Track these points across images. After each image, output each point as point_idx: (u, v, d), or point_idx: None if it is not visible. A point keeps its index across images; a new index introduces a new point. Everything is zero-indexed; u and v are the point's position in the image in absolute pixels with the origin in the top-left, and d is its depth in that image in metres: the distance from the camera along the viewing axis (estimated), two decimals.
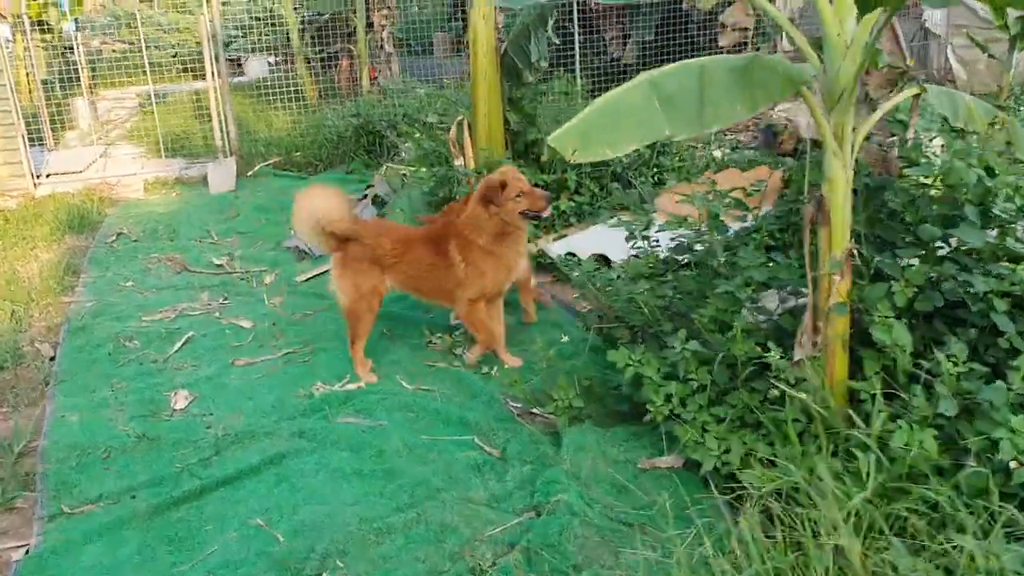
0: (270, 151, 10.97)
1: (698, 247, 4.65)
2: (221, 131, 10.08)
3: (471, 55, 7.12)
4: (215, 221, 8.61)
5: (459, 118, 7.37)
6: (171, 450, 4.40)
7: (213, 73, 9.99)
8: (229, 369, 5.33)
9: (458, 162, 7.36)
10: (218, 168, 9.85)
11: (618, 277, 5.27)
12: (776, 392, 3.38)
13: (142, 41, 12.60)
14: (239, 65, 21.93)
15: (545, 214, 4.93)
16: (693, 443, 3.62)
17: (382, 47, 15.30)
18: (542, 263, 6.65)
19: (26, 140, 10.02)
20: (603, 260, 6.28)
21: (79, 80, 15.81)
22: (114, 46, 20.42)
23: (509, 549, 3.37)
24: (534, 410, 4.52)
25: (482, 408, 4.63)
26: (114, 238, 8.20)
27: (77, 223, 8.63)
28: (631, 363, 3.94)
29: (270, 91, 12.28)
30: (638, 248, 5.02)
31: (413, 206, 7.39)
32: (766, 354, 3.45)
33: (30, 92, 14.78)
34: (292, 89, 12.74)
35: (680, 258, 4.72)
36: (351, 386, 4.97)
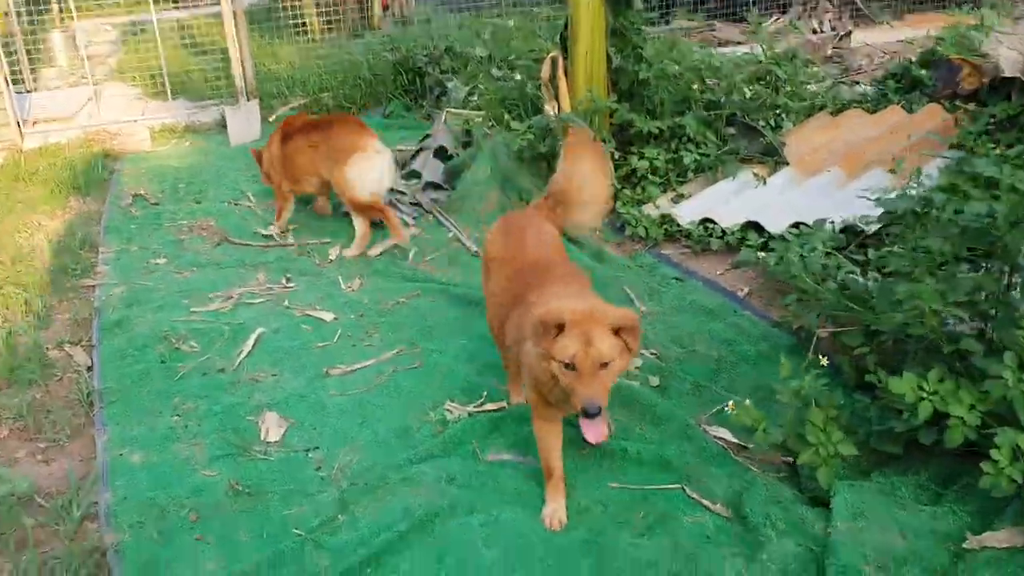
0: (293, 92, 9.70)
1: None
2: (239, 68, 8.78)
3: None
4: (246, 179, 7.42)
5: (551, 54, 6.24)
6: (280, 507, 3.37)
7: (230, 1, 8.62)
8: (322, 381, 4.27)
9: (550, 107, 6.23)
10: (239, 114, 8.59)
11: (827, 254, 4.23)
12: None
13: None
14: None
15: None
16: None
17: None
18: (669, 232, 5.58)
19: (9, 82, 8.69)
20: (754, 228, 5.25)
21: (47, 8, 14.30)
22: None
23: None
24: (748, 444, 3.52)
25: (676, 440, 3.63)
26: (130, 201, 7.01)
27: (81, 182, 7.41)
28: (927, 396, 2.94)
29: (268, 22, 10.96)
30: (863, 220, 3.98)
31: (501, 164, 6.26)
32: None
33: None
34: (294, 19, 11.41)
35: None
36: (490, 406, 3.94)
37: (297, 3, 13.56)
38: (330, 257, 5.80)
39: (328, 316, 4.92)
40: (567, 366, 2.81)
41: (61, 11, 15.76)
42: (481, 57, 9.06)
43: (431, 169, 6.93)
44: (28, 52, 11.26)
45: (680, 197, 5.87)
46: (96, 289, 5.44)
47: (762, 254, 4.72)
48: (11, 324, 4.95)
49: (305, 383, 4.26)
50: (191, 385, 4.27)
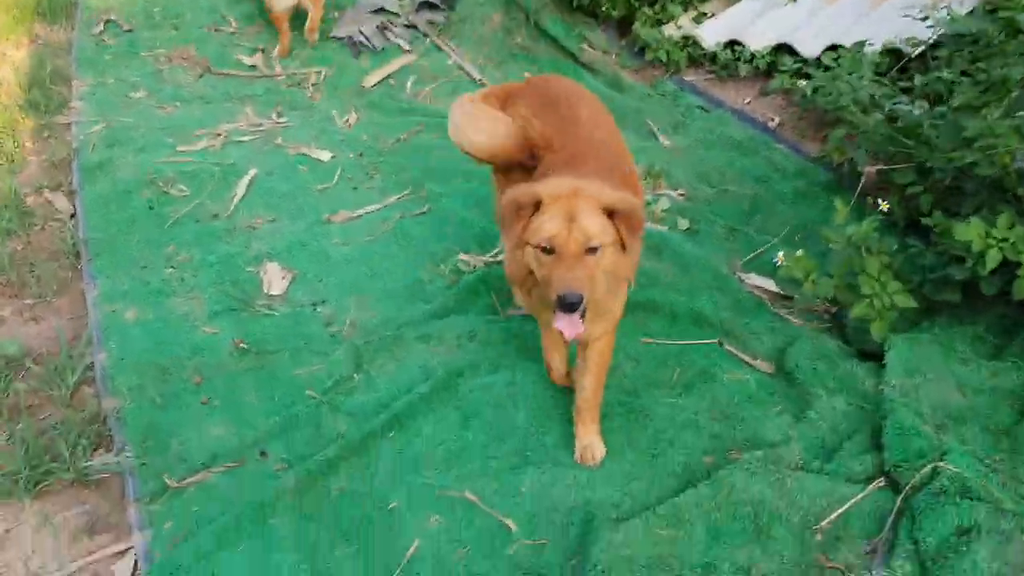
0: None
1: None
2: None
3: None
4: (226, 2, 6.82)
5: None
6: (289, 366, 3.17)
7: None
8: (324, 227, 3.99)
9: None
10: None
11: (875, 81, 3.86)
12: None
13: None
14: None
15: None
16: None
17: None
18: (693, 56, 5.14)
19: None
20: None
21: None
22: None
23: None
24: (791, 295, 3.28)
25: (709, 291, 3.39)
26: (101, 28, 6.44)
27: (46, 6, 6.80)
28: (996, 243, 2.69)
29: None
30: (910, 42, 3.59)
31: None
32: None
33: None
34: None
35: None
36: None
37: None
38: (320, 88, 5.36)
39: (325, 155, 4.57)
40: (545, 250, 2.26)
41: None
42: None
43: None
44: None
45: (702, 16, 5.39)
46: (72, 127, 5.04)
47: (802, 82, 4.32)
48: None
49: (305, 229, 3.98)
50: (183, 233, 3.98)
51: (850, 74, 3.85)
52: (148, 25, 6.50)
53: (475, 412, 2.86)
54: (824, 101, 3.88)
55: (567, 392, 2.85)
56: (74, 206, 4.25)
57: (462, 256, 3.69)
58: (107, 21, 6.55)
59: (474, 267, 3.62)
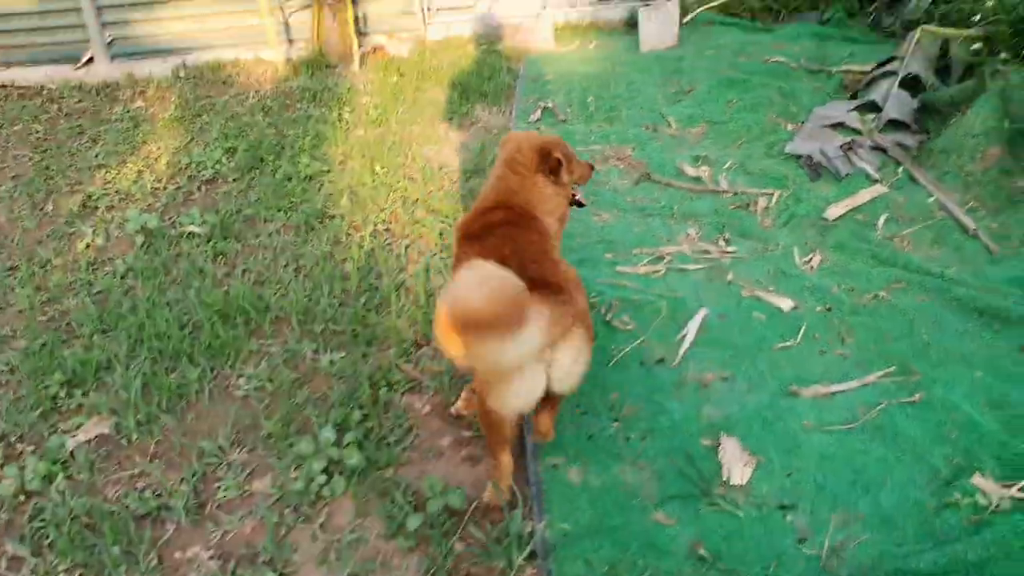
0: None
1: None
2: None
3: None
4: (663, 96, 6.63)
5: None
6: None
7: None
8: (789, 401, 3.44)
9: None
10: (654, 15, 7.75)
11: None
12: None
13: None
14: None
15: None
16: None
17: None
18: None
19: None
20: None
21: None
22: None
23: None
24: None
25: None
26: (538, 115, 6.51)
27: (488, 88, 7.04)
28: None
29: None
30: None
31: (1013, 113, 4.88)
32: None
33: None
34: None
35: None
36: None
37: None
38: (772, 213, 4.87)
39: (785, 304, 4.05)
40: None
41: None
42: None
43: (897, 103, 5.68)
44: None
45: None
46: None
47: None
48: (425, 258, 4.62)
49: (767, 400, 3.46)
50: (628, 377, 3.64)
51: None
52: (583, 117, 6.45)
53: None
54: None
55: None
56: None
57: (977, 479, 2.96)
58: (544, 109, 6.61)
59: (996, 501, 2.88)
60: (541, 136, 3.34)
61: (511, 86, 7.22)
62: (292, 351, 3.98)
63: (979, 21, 5.48)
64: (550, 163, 3.22)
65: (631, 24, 8.09)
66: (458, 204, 5.19)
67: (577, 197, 3.46)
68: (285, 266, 4.69)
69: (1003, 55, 5.16)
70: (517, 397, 2.66)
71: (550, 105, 6.67)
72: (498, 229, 3.06)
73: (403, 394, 3.65)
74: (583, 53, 7.97)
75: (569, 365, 2.72)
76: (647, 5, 7.86)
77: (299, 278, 4.55)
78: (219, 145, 6.23)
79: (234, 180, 5.78)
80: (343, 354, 3.91)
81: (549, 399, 2.85)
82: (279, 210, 5.28)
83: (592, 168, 3.56)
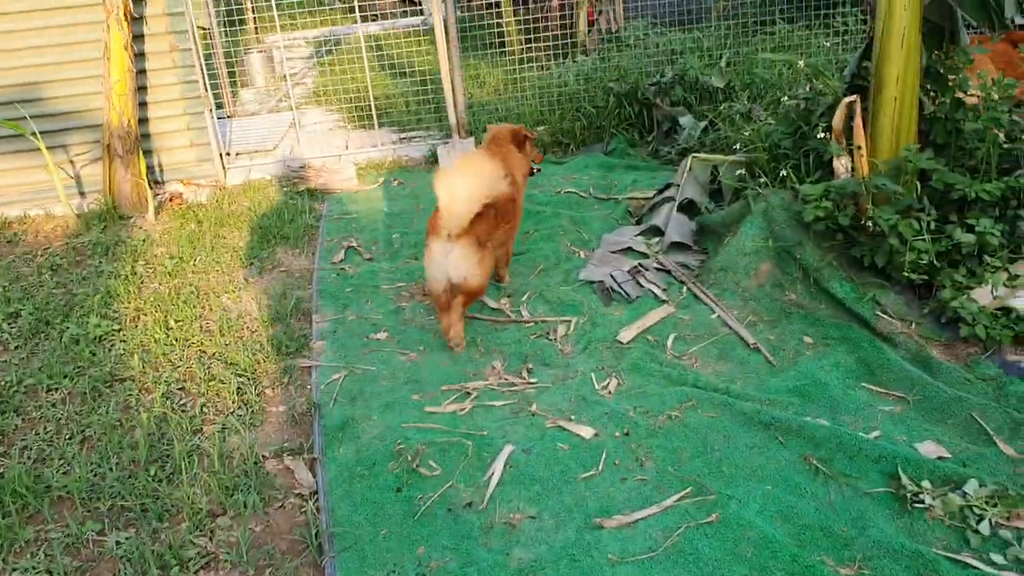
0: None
1: None
2: (452, 99, 8.16)
3: (880, 5, 4.90)
4: None
5: (847, 99, 5.18)
6: None
7: (442, 18, 7.96)
8: (595, 535, 3.46)
9: (841, 163, 5.20)
10: (452, 152, 8.02)
11: None
12: None
13: None
14: (415, 3, 20.22)
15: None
16: None
17: None
18: (1016, 331, 4.42)
19: (214, 113, 8.45)
20: None
21: (243, 24, 14.45)
22: None
23: None
24: None
25: None
26: (342, 255, 6.50)
27: (289, 230, 6.98)
28: None
29: (466, 39, 10.41)
30: None
31: (777, 231, 5.27)
32: None
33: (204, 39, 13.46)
34: (496, 35, 10.81)
35: None
36: None
37: (496, 18, 13.06)
38: (570, 340, 5.00)
39: (586, 431, 4.12)
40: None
41: (257, 29, 16.00)
42: (719, 88, 8.08)
43: (677, 226, 6.05)
44: (230, 75, 11.23)
45: (1014, 280, 4.70)
46: (312, 373, 4.89)
47: None
48: (222, 418, 4.43)
49: (574, 536, 3.46)
50: (436, 528, 3.55)
51: None
52: (388, 254, 6.49)
53: None
54: None
55: None
56: (316, 478, 3.95)
57: None
58: (348, 248, 6.61)
59: None
60: (513, 125, 5.86)
61: (314, 227, 7.20)
62: (74, 535, 3.66)
63: (740, 149, 5.97)
64: (518, 139, 5.62)
65: (432, 161, 8.31)
66: (258, 354, 5.05)
67: (534, 168, 5.81)
68: (69, 439, 4.37)
69: (763, 179, 5.61)
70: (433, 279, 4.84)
71: (355, 244, 6.69)
72: None
73: (196, 572, 3.41)
74: (388, 191, 8.09)
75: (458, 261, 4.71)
76: (446, 143, 8.11)
77: (84, 451, 4.24)
78: (1, 310, 5.82)
79: (16, 347, 5.39)
80: (130, 533, 3.64)
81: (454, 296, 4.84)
82: (65, 376, 4.94)
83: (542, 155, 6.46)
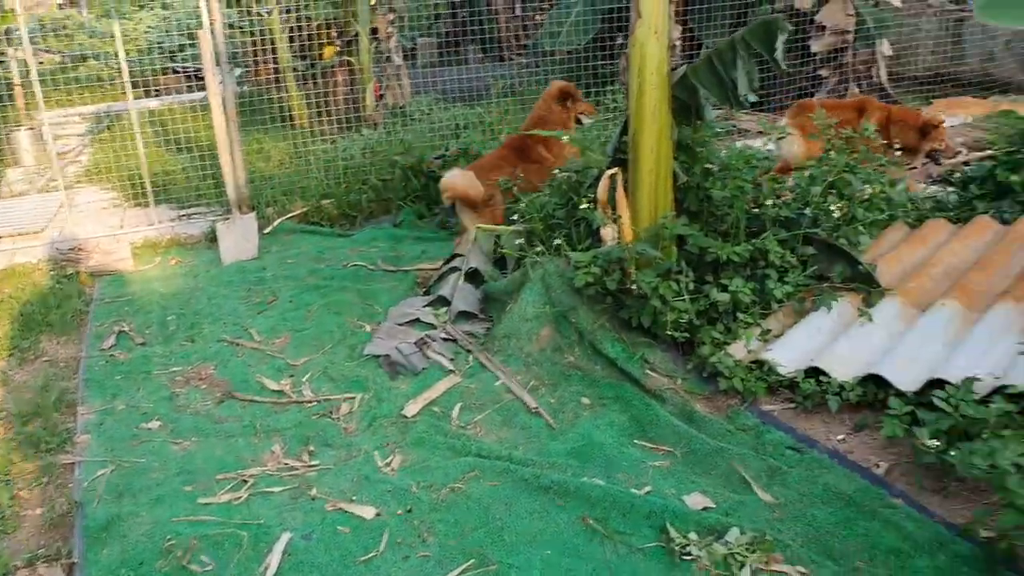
0: (290, 199, 8.89)
1: None
2: (231, 175, 7.95)
3: (632, 85, 5.25)
4: (246, 309, 6.57)
5: (609, 171, 5.48)
6: None
7: (219, 93, 7.77)
8: None
9: (608, 232, 5.47)
10: (232, 229, 7.77)
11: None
12: None
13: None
14: (196, 79, 19.71)
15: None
16: None
17: (389, 59, 13.28)
18: (768, 382, 4.76)
19: None
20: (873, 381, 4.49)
21: (12, 102, 13.57)
22: (42, 58, 18.19)
23: None
24: None
25: None
26: (112, 341, 6.13)
27: (55, 317, 6.52)
28: None
29: (250, 113, 10.31)
30: None
31: (555, 297, 5.45)
32: None
33: None
34: (280, 110, 10.75)
35: None
36: None
37: (282, 93, 12.94)
38: (354, 418, 4.92)
39: (368, 512, 4.04)
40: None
41: (27, 103, 15.07)
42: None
43: (463, 295, 6.13)
44: None
45: (766, 334, 5.08)
46: (76, 469, 4.55)
47: (921, 430, 3.89)
48: None
49: None
50: None
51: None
52: (162, 338, 6.19)
53: None
54: (976, 474, 3.41)
55: None
56: None
57: None
58: (119, 333, 6.25)
59: None
60: (562, 83, 7.62)
61: (84, 312, 6.77)
62: None
63: (519, 219, 6.16)
64: (563, 95, 7.33)
65: (212, 239, 8.03)
66: (16, 453, 4.64)
67: (582, 120, 7.53)
68: None
69: (539, 248, 5.80)
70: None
71: (126, 328, 6.33)
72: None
73: None
74: (164, 271, 7.73)
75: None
76: (225, 220, 7.88)
77: None
78: None
79: None
80: None
81: None
82: None
83: (594, 109, 7.93)
